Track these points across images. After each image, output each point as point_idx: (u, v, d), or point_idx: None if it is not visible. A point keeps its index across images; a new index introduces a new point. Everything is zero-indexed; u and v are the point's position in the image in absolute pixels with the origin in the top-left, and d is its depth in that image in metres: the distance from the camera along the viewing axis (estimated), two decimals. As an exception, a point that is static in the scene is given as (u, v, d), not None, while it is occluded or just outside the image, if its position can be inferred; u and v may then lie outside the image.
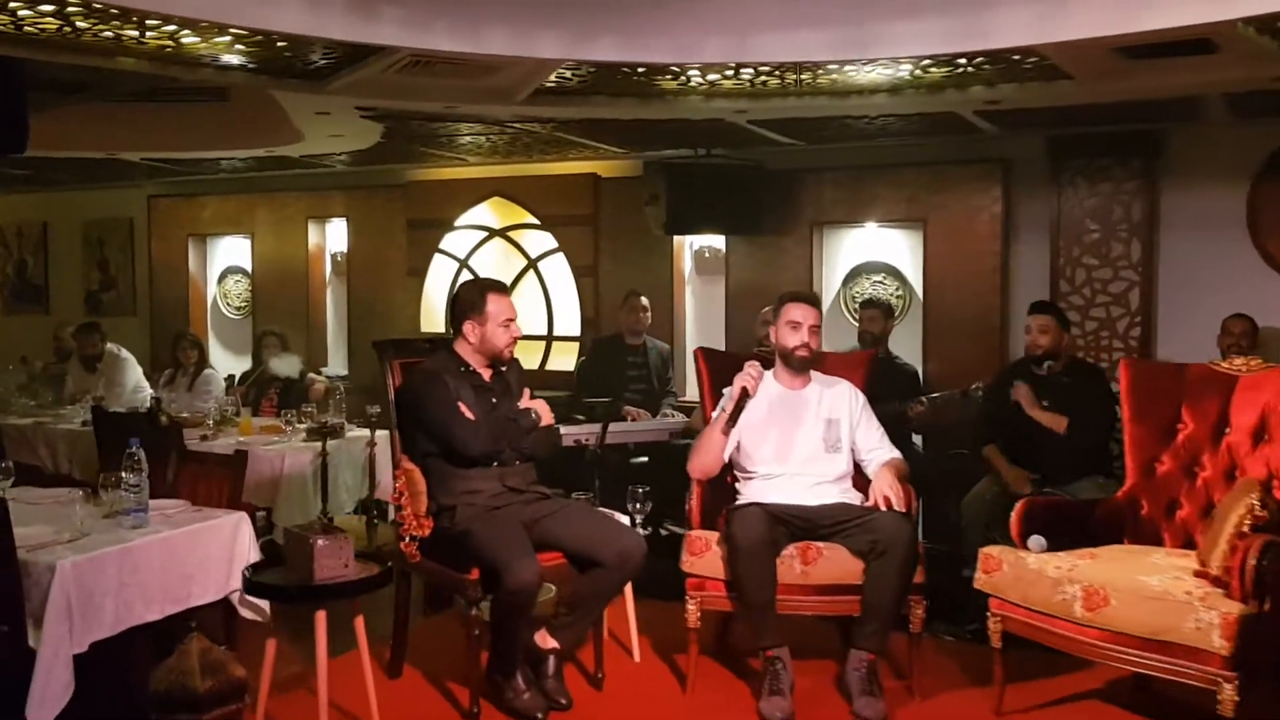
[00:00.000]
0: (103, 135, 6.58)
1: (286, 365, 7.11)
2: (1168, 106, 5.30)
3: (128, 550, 3.66)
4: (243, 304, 9.42)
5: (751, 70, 4.29)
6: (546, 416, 3.84)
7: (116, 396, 7.28)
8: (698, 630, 3.79)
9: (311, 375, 7.44)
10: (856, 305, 6.98)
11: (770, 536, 3.63)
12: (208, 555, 3.94)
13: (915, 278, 6.81)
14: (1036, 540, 3.56)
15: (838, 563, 3.70)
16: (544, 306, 7.87)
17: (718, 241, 7.36)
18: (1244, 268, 5.90)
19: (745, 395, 3.78)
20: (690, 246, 7.51)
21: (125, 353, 7.71)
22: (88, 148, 7.21)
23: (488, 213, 8.01)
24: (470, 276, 7.75)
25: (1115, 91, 4.56)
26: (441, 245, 8.15)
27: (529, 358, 7.87)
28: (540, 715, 3.53)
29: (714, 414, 4.00)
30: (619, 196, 7.49)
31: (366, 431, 5.99)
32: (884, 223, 6.86)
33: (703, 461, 3.89)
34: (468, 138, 6.77)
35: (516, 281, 7.92)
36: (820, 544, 3.73)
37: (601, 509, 3.98)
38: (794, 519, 3.73)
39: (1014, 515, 3.61)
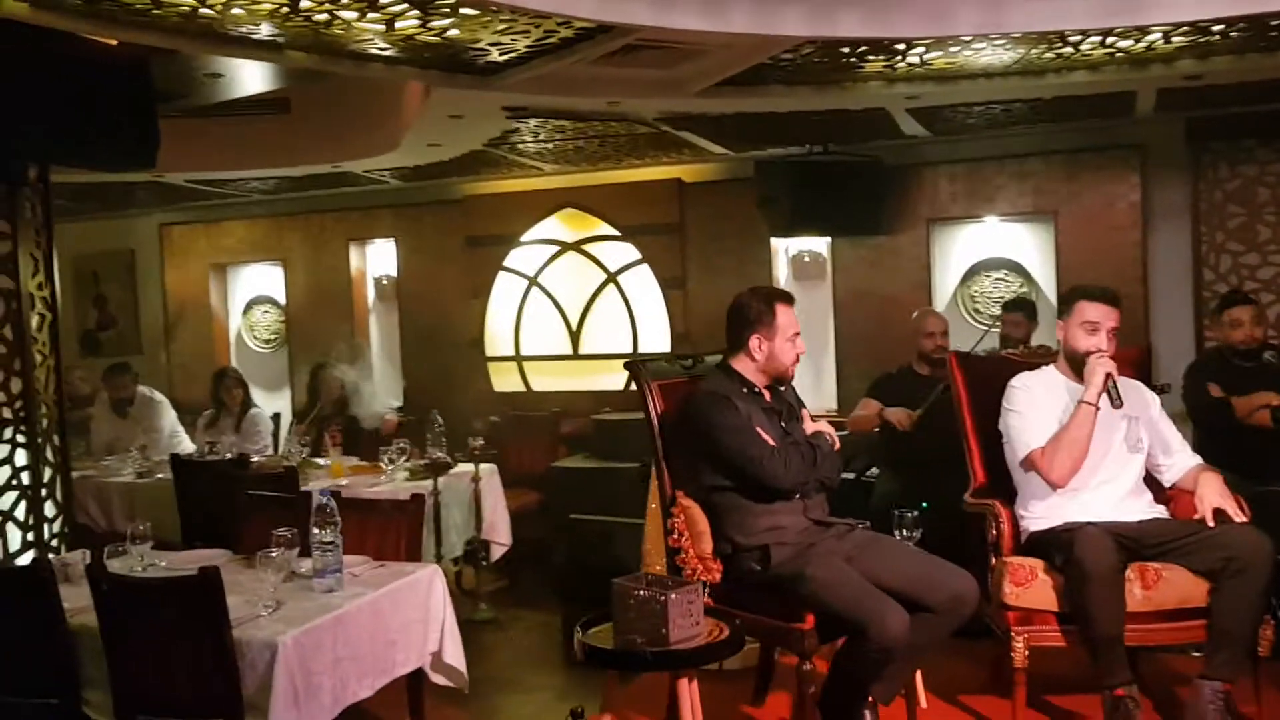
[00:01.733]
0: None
1: (376, 405, 6.54)
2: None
3: (340, 619, 3.15)
4: (272, 335, 8.73)
5: (1005, 41, 3.89)
6: (835, 440, 3.38)
7: (154, 443, 6.63)
8: (1025, 670, 3.35)
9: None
10: (976, 305, 6.67)
11: (1121, 561, 3.21)
12: (409, 617, 3.45)
13: (1040, 273, 6.49)
14: None
15: (1179, 585, 3.30)
16: (628, 323, 7.38)
17: (817, 245, 6.97)
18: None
19: (1111, 379, 3.38)
20: (786, 252, 7.11)
21: (158, 395, 7.07)
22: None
23: (558, 226, 7.51)
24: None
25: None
26: (506, 263, 7.62)
27: (614, 379, 7.42)
28: (881, 780, 3.06)
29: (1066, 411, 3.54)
30: (707, 201, 7.08)
31: (470, 466, 5.49)
32: (1006, 216, 6.54)
33: (1075, 464, 3.45)
34: (533, 145, 6.29)
35: (594, 298, 7.44)
36: (1155, 564, 3.32)
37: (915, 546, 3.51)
38: (1124, 538, 3.32)
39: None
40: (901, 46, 3.94)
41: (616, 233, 7.31)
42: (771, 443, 3.20)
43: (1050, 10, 3.70)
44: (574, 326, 7.55)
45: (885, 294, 6.59)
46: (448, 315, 7.78)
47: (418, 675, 3.49)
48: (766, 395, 3.37)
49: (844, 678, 3.08)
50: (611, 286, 7.41)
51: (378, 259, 8.31)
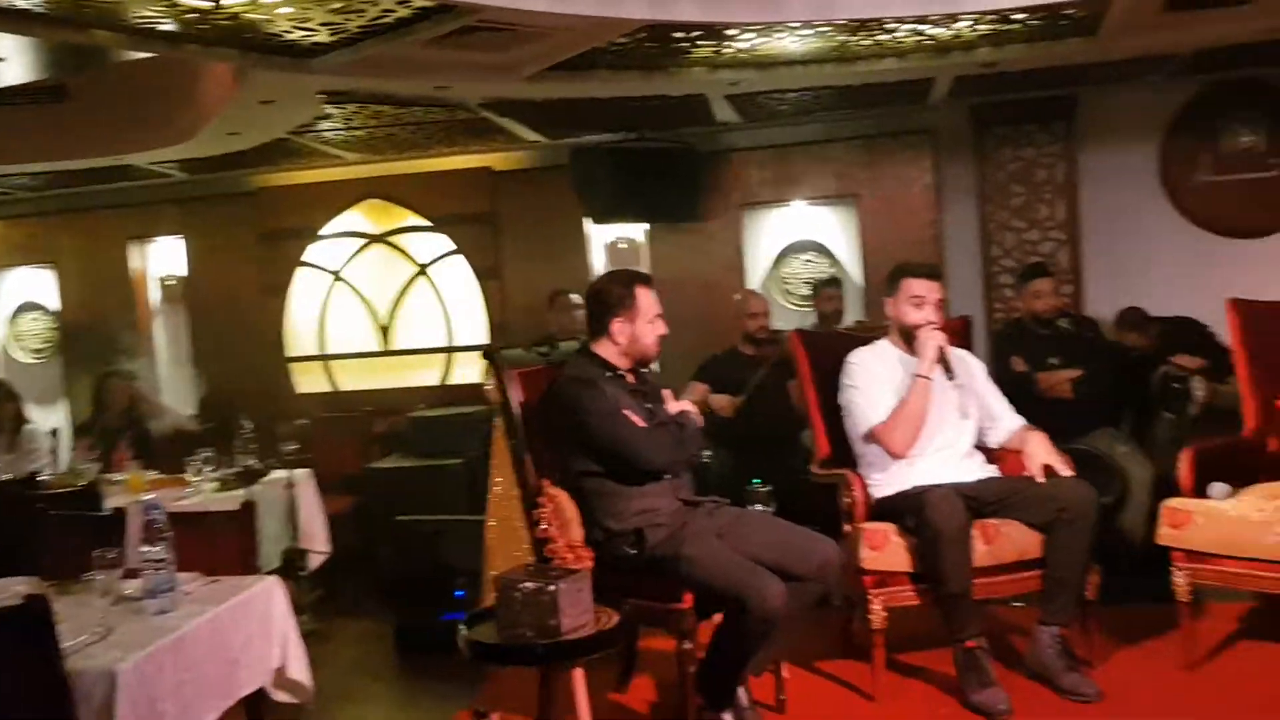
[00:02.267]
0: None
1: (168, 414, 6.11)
2: (1081, 70, 5.52)
3: (180, 641, 2.93)
4: (43, 345, 8.00)
5: (829, 28, 4.02)
6: (699, 418, 3.40)
7: (-94, 465, 5.98)
8: (883, 631, 3.49)
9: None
10: (787, 287, 6.91)
11: (968, 519, 3.39)
12: (250, 633, 3.25)
13: (845, 254, 6.78)
14: (1221, 488, 3.54)
15: (1016, 539, 3.52)
16: (442, 316, 7.19)
17: (633, 232, 7.01)
18: (1160, 221, 6.28)
19: (943, 352, 3.54)
20: (602, 240, 7.11)
21: (-93, 414, 6.35)
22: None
23: (360, 218, 7.23)
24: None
25: (1139, 46, 4.68)
26: (305, 258, 7.28)
27: (428, 374, 7.23)
28: (763, 751, 3.12)
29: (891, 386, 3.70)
30: (520, 189, 6.99)
31: (283, 473, 5.23)
32: (812, 200, 6.78)
33: (915, 435, 3.60)
34: (342, 132, 6.03)
35: (404, 291, 7.22)
36: (994, 521, 3.53)
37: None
38: (967, 498, 3.50)
39: (1185, 466, 3.57)
40: (734, 32, 4.01)
41: (427, 223, 7.11)
42: (641, 424, 3.18)
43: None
44: (383, 322, 7.30)
45: (701, 279, 6.69)
46: (243, 315, 7.34)
47: (257, 694, 3.29)
48: (630, 378, 3.35)
49: (724, 653, 3.11)
50: (423, 279, 7.21)
51: (162, 258, 7.74)
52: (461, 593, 4.66)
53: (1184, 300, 5.62)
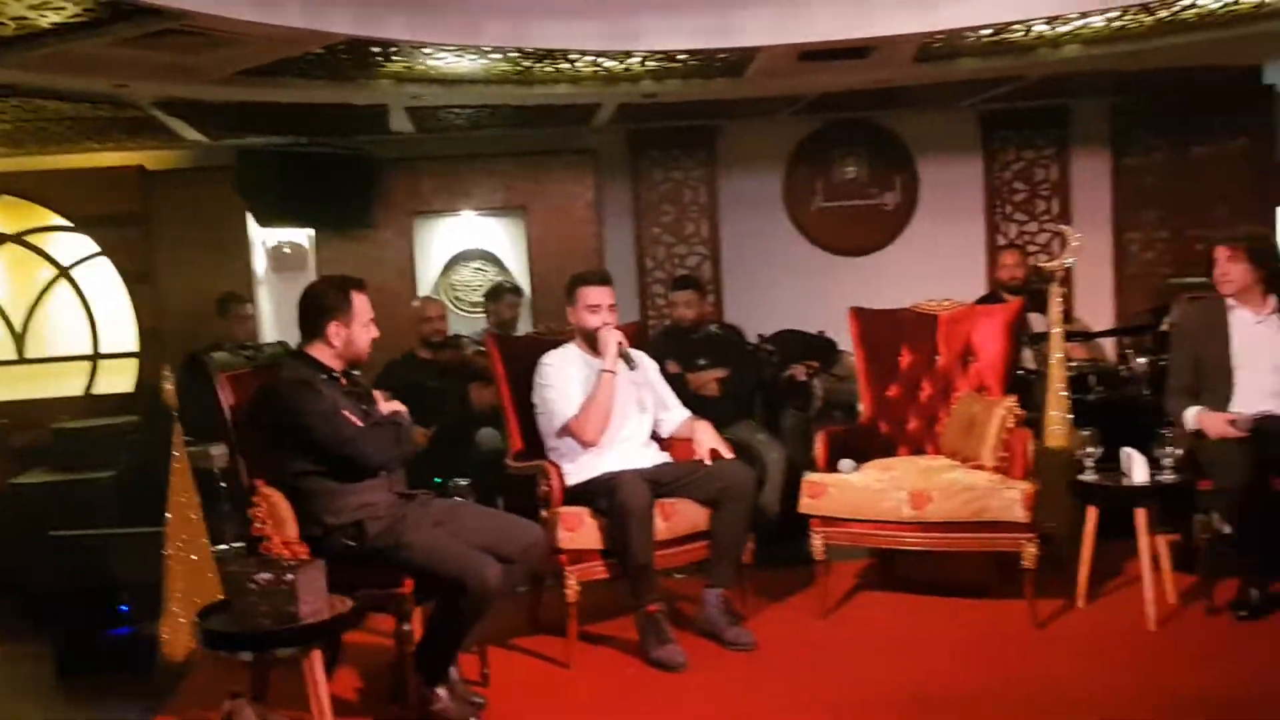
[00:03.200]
0: None
1: None
2: (725, 105, 6.28)
3: None
4: None
5: (518, 54, 4.35)
6: (407, 418, 3.60)
7: None
8: (576, 604, 3.86)
9: None
10: (457, 294, 7.17)
11: (651, 499, 3.84)
12: None
13: (513, 263, 7.14)
14: (848, 463, 4.24)
15: (688, 515, 4.03)
16: (87, 322, 6.75)
17: (298, 236, 6.96)
18: (786, 240, 7.19)
19: (623, 346, 3.95)
20: (264, 244, 7.00)
21: None
22: None
23: (-10, 215, 6.64)
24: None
25: (776, 87, 5.40)
26: (-80, 257, 6.58)
27: (73, 383, 6.78)
28: (472, 719, 3.38)
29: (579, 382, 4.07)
30: (176, 190, 6.73)
31: None
32: (482, 211, 7.08)
33: (604, 425, 3.99)
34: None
35: (42, 295, 6.72)
36: (670, 500, 4.01)
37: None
38: (649, 481, 3.96)
39: (820, 447, 4.26)
40: (429, 50, 4.23)
41: (69, 223, 6.65)
42: (358, 423, 3.34)
43: (562, 31, 4.24)
44: (18, 328, 6.74)
45: (372, 284, 6.62)
46: None
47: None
48: (343, 380, 3.48)
49: (442, 632, 3.33)
50: (64, 282, 6.73)
51: None
52: (126, 607, 4.49)
53: (806, 307, 6.51)
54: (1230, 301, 4.23)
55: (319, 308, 3.42)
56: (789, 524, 4.60)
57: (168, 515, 4.14)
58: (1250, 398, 4.14)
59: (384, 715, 3.51)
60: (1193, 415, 4.18)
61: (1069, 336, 5.54)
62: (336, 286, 3.47)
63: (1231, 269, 4.20)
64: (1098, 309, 7.12)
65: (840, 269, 7.12)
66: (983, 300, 6.01)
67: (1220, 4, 4.36)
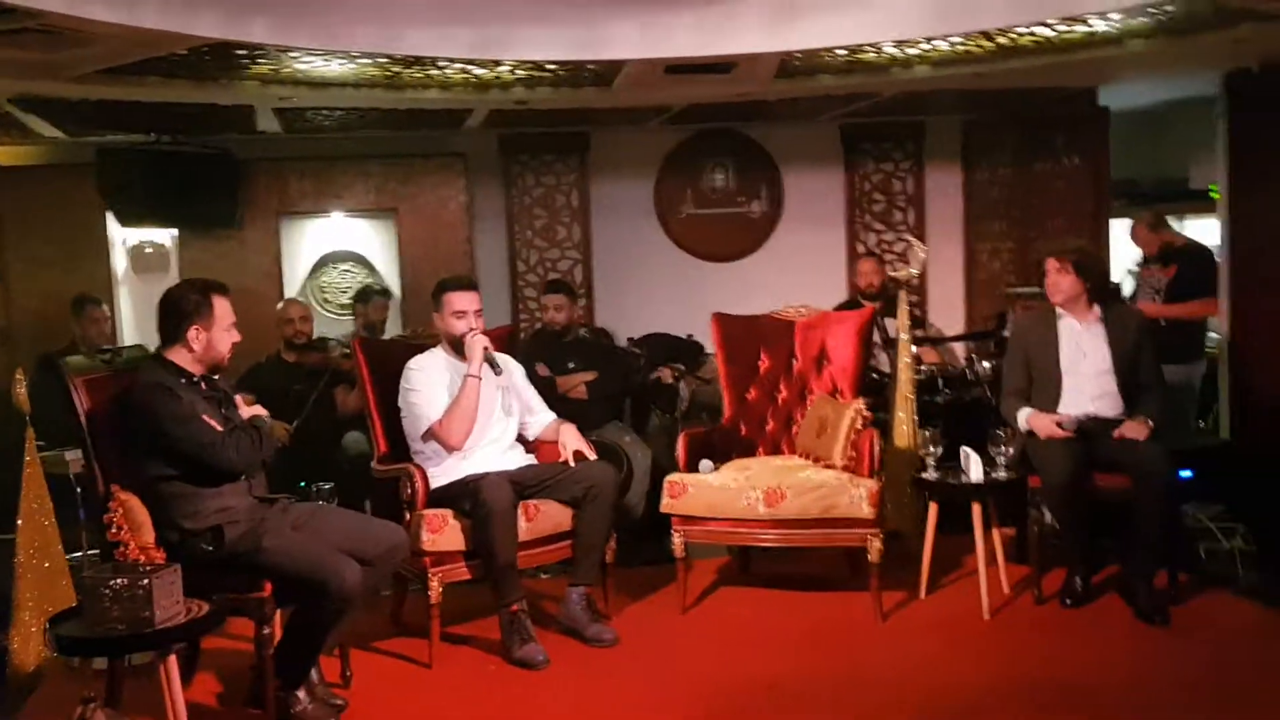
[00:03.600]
0: None
1: None
2: (595, 113, 6.39)
3: None
4: None
5: (388, 60, 4.39)
6: (268, 422, 3.61)
7: None
8: (439, 605, 3.92)
9: None
10: (325, 295, 7.13)
11: (515, 499, 3.93)
12: None
13: (383, 265, 7.13)
14: (706, 464, 4.40)
15: (551, 515, 4.14)
16: (-69, 321, 6.50)
17: (159, 236, 6.82)
18: (656, 246, 7.35)
19: (488, 351, 4.02)
20: (124, 243, 6.83)
21: None
22: None
23: None
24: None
25: (645, 98, 5.55)
26: None
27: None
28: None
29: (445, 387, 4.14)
30: (30, 187, 6.53)
31: None
32: (352, 212, 7.05)
33: (468, 429, 4.07)
34: None
35: (-116, 292, 6.43)
36: (534, 501, 4.11)
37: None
38: (514, 482, 4.05)
39: (681, 448, 4.42)
40: (295, 54, 4.24)
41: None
42: (218, 429, 3.34)
43: (432, 38, 4.30)
44: None
45: (237, 286, 6.54)
46: None
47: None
48: (203, 385, 3.48)
49: (302, 635, 3.37)
50: (-90, 281, 6.46)
51: None
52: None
53: (676, 312, 6.69)
54: (1059, 310, 4.53)
55: (179, 312, 3.41)
56: (654, 524, 4.75)
57: (19, 522, 4.07)
58: (1076, 400, 4.45)
59: (243, 719, 3.52)
60: (1024, 416, 4.46)
61: (919, 341, 5.87)
62: (197, 290, 3.47)
63: (1060, 280, 4.50)
64: (950, 315, 7.50)
65: (709, 274, 7.31)
66: (842, 306, 6.28)
67: (1055, 33, 4.67)
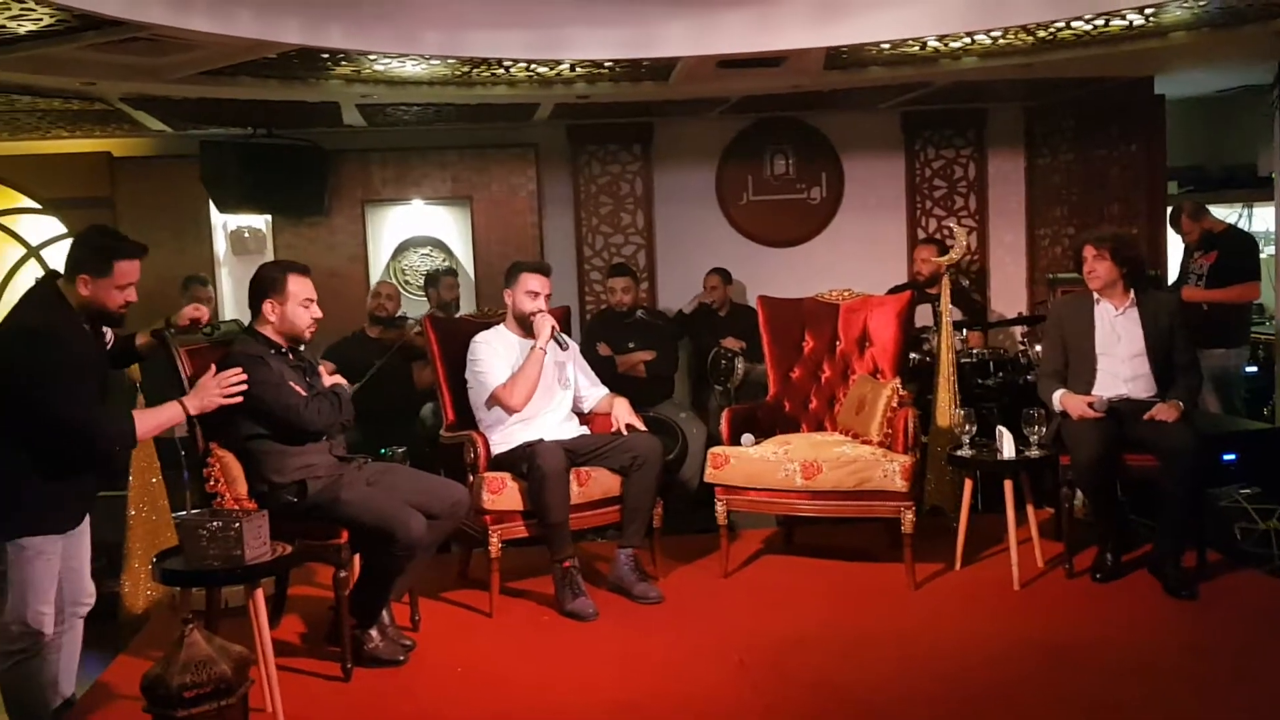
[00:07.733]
0: None
1: None
2: (657, 105, 6.70)
3: None
4: None
5: (456, 60, 4.76)
6: (348, 390, 4.02)
7: None
8: (499, 560, 4.30)
9: None
10: (406, 277, 7.58)
11: (567, 465, 4.28)
12: None
13: (459, 249, 7.56)
14: (748, 437, 4.70)
15: (601, 481, 4.48)
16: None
17: (257, 221, 7.33)
18: (717, 231, 7.63)
19: (556, 329, 4.42)
20: (225, 228, 7.36)
21: None
22: None
23: (-44, 198, 6.96)
24: None
25: (701, 90, 5.84)
26: (-107, 236, 6.89)
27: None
28: (402, 658, 3.83)
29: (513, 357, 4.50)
30: (142, 176, 7.08)
31: None
32: (430, 200, 7.48)
33: (529, 394, 4.43)
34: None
35: (12, 274, 7.05)
36: (586, 468, 4.46)
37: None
38: (567, 450, 4.41)
39: (725, 423, 4.72)
40: (373, 57, 4.63)
41: (38, 205, 6.99)
42: (303, 394, 3.76)
43: (495, 40, 4.65)
44: (-14, 304, 7.06)
45: (326, 268, 7.15)
46: None
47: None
48: (290, 355, 3.89)
49: (374, 579, 3.77)
50: (33, 262, 7.07)
51: None
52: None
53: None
54: (1096, 295, 4.70)
55: (259, 288, 3.83)
56: (707, 495, 5.05)
57: (129, 479, 4.56)
58: (1110, 382, 4.61)
59: (324, 655, 3.94)
60: (1058, 397, 4.65)
61: (971, 326, 6.06)
62: (278, 268, 3.88)
63: (1098, 266, 4.65)
64: (1013, 300, 7.64)
65: (769, 259, 7.56)
66: (893, 290, 6.48)
67: (1092, 26, 4.83)
